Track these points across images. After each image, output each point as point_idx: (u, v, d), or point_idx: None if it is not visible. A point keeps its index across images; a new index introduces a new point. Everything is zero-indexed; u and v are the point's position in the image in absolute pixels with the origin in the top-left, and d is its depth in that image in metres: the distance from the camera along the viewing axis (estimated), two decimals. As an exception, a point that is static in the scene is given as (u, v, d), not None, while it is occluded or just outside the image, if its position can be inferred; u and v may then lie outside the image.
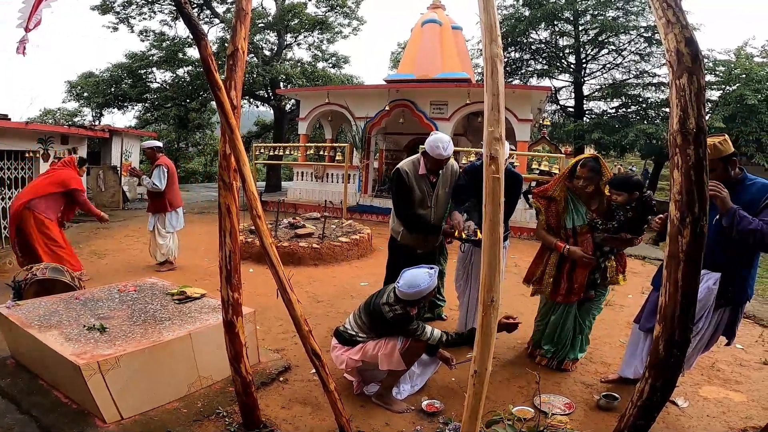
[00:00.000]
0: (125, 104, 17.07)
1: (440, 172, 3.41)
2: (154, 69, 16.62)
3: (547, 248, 3.03)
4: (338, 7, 17.43)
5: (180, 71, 16.71)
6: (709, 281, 2.35)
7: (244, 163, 1.70)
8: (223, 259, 1.89)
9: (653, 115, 15.15)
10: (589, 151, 21.49)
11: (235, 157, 1.72)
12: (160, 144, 5.62)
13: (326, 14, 17.54)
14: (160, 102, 17.03)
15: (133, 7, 15.71)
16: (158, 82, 17.29)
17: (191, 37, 1.74)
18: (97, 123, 14.07)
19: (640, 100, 15.70)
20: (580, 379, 3.01)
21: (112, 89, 16.18)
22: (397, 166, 3.46)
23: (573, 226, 2.90)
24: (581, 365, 3.21)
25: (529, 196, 3.20)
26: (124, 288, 3.27)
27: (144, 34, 16.37)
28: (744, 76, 12.20)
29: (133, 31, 16.25)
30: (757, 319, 4.47)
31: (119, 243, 7.00)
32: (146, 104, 17.56)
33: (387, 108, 10.78)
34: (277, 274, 1.78)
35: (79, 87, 16.52)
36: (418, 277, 2.50)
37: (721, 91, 13.19)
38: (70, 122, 12.85)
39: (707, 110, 12.75)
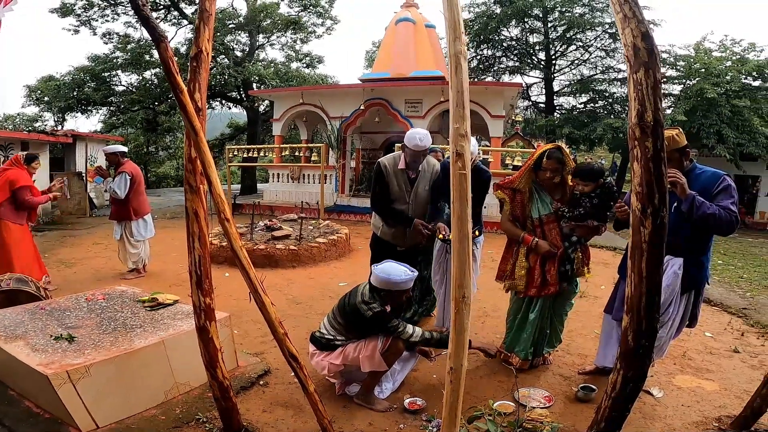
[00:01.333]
0: (89, 108, 16.52)
1: (420, 168, 3.42)
2: (119, 72, 16.14)
3: (514, 241, 3.02)
4: (311, 7, 17.31)
5: (147, 74, 16.29)
6: (674, 266, 2.44)
7: (210, 165, 1.67)
8: (192, 264, 1.86)
9: (619, 109, 15.69)
10: (561, 145, 21.99)
11: (200, 161, 1.69)
12: (123, 148, 5.32)
13: (299, 14, 17.40)
14: (127, 105, 16.56)
15: (95, 9, 15.21)
16: (124, 85, 16.80)
17: (152, 39, 1.70)
18: (59, 128, 13.54)
19: (607, 95, 16.26)
20: (558, 371, 3.06)
21: (75, 93, 15.64)
22: (378, 159, 3.54)
23: (539, 216, 2.89)
24: (559, 357, 3.27)
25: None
26: (92, 297, 3.17)
27: (107, 36, 15.89)
28: (703, 70, 12.71)
29: (95, 34, 15.76)
30: (724, 307, 4.59)
31: (87, 251, 6.77)
32: (111, 108, 17.02)
33: (362, 107, 10.76)
34: (249, 277, 1.76)
35: (39, 91, 15.91)
36: (393, 268, 2.52)
37: (682, 85, 13.71)
38: (30, 128, 12.34)
39: (669, 104, 13.28)
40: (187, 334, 2.58)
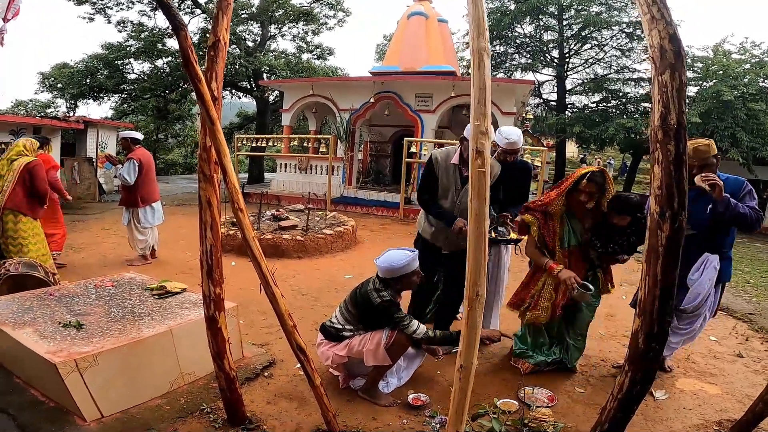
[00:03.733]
0: (101, 95, 16.59)
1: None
2: (132, 60, 16.15)
3: (539, 268, 2.86)
4: (324, -1, 17.20)
5: (159, 62, 16.29)
6: (713, 262, 2.66)
7: (225, 155, 1.66)
8: (204, 253, 1.85)
9: (632, 109, 15.47)
10: (571, 146, 21.79)
11: (215, 149, 1.68)
12: (137, 135, 5.35)
13: (311, 5, 17.28)
14: (138, 93, 16.60)
15: (111, -4, 15.22)
16: (136, 73, 16.84)
17: (171, 27, 1.69)
18: (71, 114, 13.63)
19: (620, 94, 16.02)
20: (563, 371, 3.04)
21: (88, 80, 15.66)
22: (431, 152, 3.46)
23: (568, 246, 2.73)
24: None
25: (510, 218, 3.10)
26: (100, 283, 3.18)
27: (122, 24, 15.87)
28: (721, 72, 12.46)
29: (110, 22, 15.73)
30: (730, 311, 4.55)
31: (95, 236, 6.82)
32: (123, 95, 17.10)
33: (372, 100, 10.71)
34: (260, 269, 1.76)
35: (53, 78, 15.97)
36: (393, 255, 2.54)
37: (698, 87, 13.48)
38: (42, 113, 12.45)
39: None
40: (194, 324, 2.58)
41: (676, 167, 1.46)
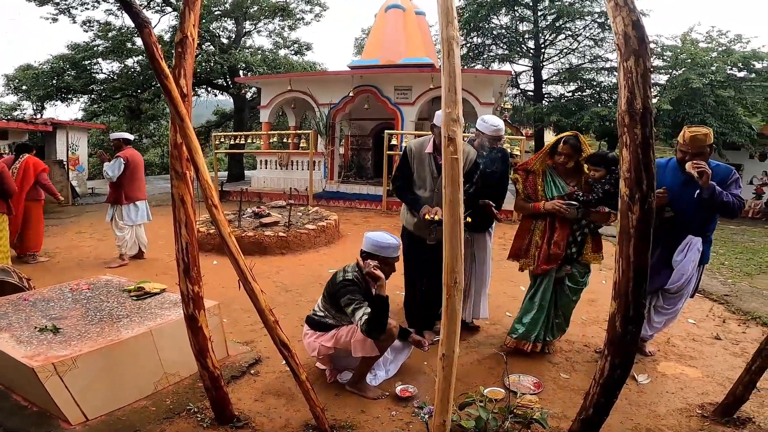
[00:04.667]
0: (69, 96, 16.10)
1: None
2: (100, 60, 15.69)
3: (529, 218, 3.07)
4: (300, -7, 16.97)
5: (129, 61, 15.87)
6: (696, 244, 2.79)
7: (196, 151, 1.63)
8: (179, 251, 1.82)
9: (606, 98, 15.80)
10: (549, 135, 22.14)
11: (186, 146, 1.65)
12: (128, 136, 5.59)
13: (287, 1, 17.02)
14: (108, 93, 16.15)
15: (75, -4, 14.71)
16: (105, 73, 16.37)
17: (135, 25, 1.66)
18: (38, 116, 13.19)
19: (594, 84, 16.33)
20: (547, 357, 3.10)
21: (54, 81, 15.17)
22: (406, 143, 3.46)
23: (552, 197, 2.96)
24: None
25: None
26: (76, 287, 3.11)
27: (87, 24, 15.37)
28: (689, 60, 12.79)
29: (75, 22, 15.21)
30: (706, 294, 4.65)
31: (71, 240, 6.64)
32: (92, 96, 16.61)
33: (351, 94, 10.68)
34: (238, 265, 1.74)
35: (17, 80, 15.42)
36: (383, 234, 2.60)
37: (668, 75, 13.83)
38: (8, 116, 12.01)
39: (656, 93, 13.33)
40: (175, 323, 2.55)
41: (643, 150, 1.50)
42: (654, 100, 13.31)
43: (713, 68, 12.35)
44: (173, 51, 1.84)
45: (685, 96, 12.33)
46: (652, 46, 13.89)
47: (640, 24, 1.47)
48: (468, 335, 3.45)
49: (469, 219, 2.99)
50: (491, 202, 3.20)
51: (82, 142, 12.35)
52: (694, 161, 2.60)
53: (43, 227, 5.62)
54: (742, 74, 13.17)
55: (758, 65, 12.84)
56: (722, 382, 2.81)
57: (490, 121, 3.25)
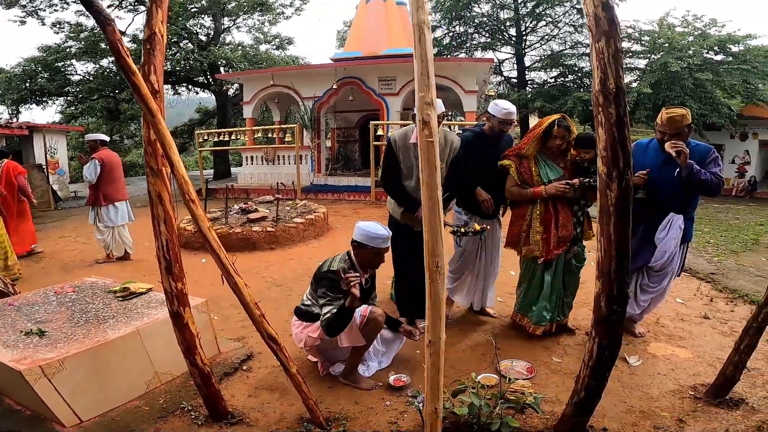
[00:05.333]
0: (44, 99, 15.73)
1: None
2: (74, 61, 15.35)
3: (526, 203, 3.03)
4: (279, -13, 16.69)
5: (104, 62, 15.52)
6: (678, 222, 2.84)
7: (170, 147, 1.61)
8: (159, 248, 1.81)
9: (588, 83, 15.90)
10: (533, 120, 22.25)
11: (160, 143, 1.63)
12: (103, 137, 5.59)
13: (266, -5, 16.75)
14: (85, 95, 15.81)
15: (42, -2, 14.31)
16: (80, 75, 16.02)
17: (97, 23, 1.65)
18: (14, 120, 12.87)
19: (576, 69, 16.47)
20: (540, 342, 3.08)
21: (27, 84, 14.84)
22: (389, 134, 3.41)
23: (549, 180, 2.95)
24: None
25: None
26: (61, 290, 3.07)
27: (58, 26, 14.98)
28: (667, 45, 12.95)
29: (44, 24, 14.82)
30: (693, 272, 4.66)
31: (55, 245, 6.53)
32: (68, 98, 16.27)
33: (335, 86, 10.62)
34: (220, 259, 1.73)
35: (-11, 85, 15.02)
36: (374, 224, 2.58)
37: (647, 60, 13.97)
38: (-17, 121, 11.70)
39: (636, 77, 13.48)
40: (163, 323, 2.53)
41: (618, 129, 1.51)
42: (634, 84, 13.46)
43: (690, 52, 12.54)
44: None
45: (665, 79, 12.50)
46: (629, 31, 14.02)
47: (610, 5, 1.49)
48: (453, 323, 3.44)
49: (463, 229, 3.02)
50: (483, 192, 3.19)
51: (60, 145, 12.09)
52: (673, 141, 2.67)
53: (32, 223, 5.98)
54: (719, 57, 13.35)
55: (734, 48, 13.04)
56: (712, 362, 2.80)
57: (501, 104, 3.20)
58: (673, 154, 2.64)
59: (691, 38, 13.12)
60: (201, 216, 1.66)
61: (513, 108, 3.19)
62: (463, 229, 3.06)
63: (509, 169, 3.05)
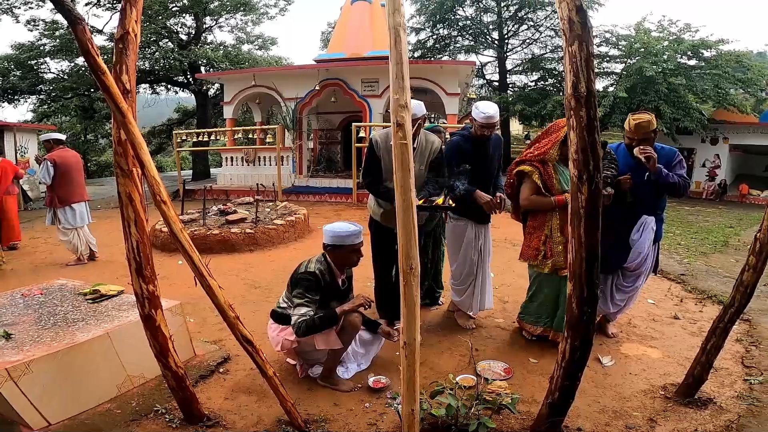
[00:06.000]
0: (15, 98, 15.26)
1: (415, 144, 3.06)
2: (48, 59, 14.97)
3: (542, 212, 2.89)
4: (264, -13, 16.52)
5: (79, 60, 15.15)
6: (650, 223, 2.93)
7: (141, 147, 1.58)
8: (130, 250, 1.76)
9: (568, 87, 16.23)
10: (515, 123, 22.53)
11: (130, 143, 1.59)
12: (58, 136, 5.38)
13: (250, -5, 16.56)
14: (59, 93, 15.41)
15: (17, -5, 13.91)
16: (54, 73, 15.61)
17: (67, 22, 1.61)
18: (-17, 118, 12.47)
19: (556, 73, 16.77)
20: (517, 342, 3.13)
21: (-1, 82, 14.42)
22: (371, 135, 3.37)
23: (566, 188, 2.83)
24: (517, 328, 3.31)
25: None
26: (28, 293, 2.98)
27: (32, 23, 14.58)
28: (643, 49, 13.28)
29: (18, 21, 14.41)
30: (664, 273, 4.76)
31: (24, 246, 6.30)
32: (41, 96, 15.84)
33: (317, 87, 10.56)
34: (192, 261, 1.70)
35: (-41, 83, 14.53)
36: (339, 224, 2.59)
37: (624, 64, 14.30)
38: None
39: (612, 82, 13.76)
40: (134, 325, 2.47)
41: (589, 132, 1.54)
42: (611, 89, 13.76)
43: (665, 57, 12.88)
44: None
45: (640, 84, 12.82)
46: (607, 35, 14.30)
47: (583, 9, 1.51)
48: (427, 326, 3.43)
49: (451, 203, 2.96)
50: (483, 194, 3.11)
51: (31, 145, 11.73)
52: (641, 147, 2.75)
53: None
54: (692, 62, 13.77)
55: (706, 53, 13.48)
56: (682, 362, 2.84)
57: (481, 108, 3.08)
58: (643, 159, 2.71)
59: (666, 43, 13.48)
60: (173, 217, 1.63)
61: (493, 111, 3.06)
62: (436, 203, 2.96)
63: (532, 175, 2.84)
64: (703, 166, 14.52)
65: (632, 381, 2.67)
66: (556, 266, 2.86)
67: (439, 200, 3.03)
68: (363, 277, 3.94)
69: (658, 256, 3.17)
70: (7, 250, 5.78)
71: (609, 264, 2.89)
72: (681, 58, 13.47)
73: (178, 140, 11.19)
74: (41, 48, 14.62)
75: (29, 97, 15.84)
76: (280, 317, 2.61)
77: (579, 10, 1.51)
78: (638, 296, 3.26)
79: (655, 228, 2.95)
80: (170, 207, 1.62)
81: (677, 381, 2.57)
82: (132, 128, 1.55)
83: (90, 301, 2.83)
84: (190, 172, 16.12)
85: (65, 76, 15.41)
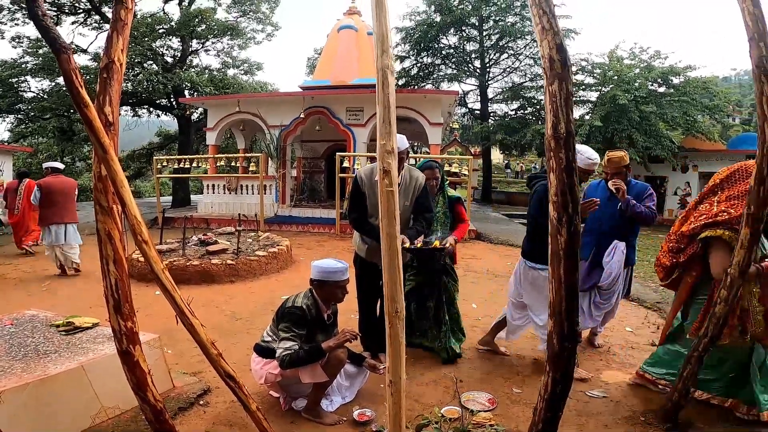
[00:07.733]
0: (-7, 117, 14.93)
1: (400, 181, 3.03)
2: (29, 77, 14.70)
3: (710, 279, 2.47)
4: (251, 13, 16.74)
5: (60, 79, 14.92)
6: (620, 247, 3.24)
7: (122, 185, 1.54)
8: (108, 288, 1.71)
9: (545, 115, 16.69)
10: (495, 152, 22.89)
11: (111, 180, 1.56)
12: (55, 165, 6.33)
13: (238, 20, 16.76)
14: (37, 113, 15.07)
15: (5, 12, 13.78)
16: (34, 92, 15.29)
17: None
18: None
19: (535, 102, 17.22)
20: (499, 373, 3.16)
21: (-24, 100, 14.08)
22: (356, 171, 3.39)
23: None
24: (500, 360, 3.35)
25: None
26: (-3, 323, 2.87)
27: (17, 40, 14.43)
28: (616, 77, 13.64)
29: (3, 38, 14.24)
30: (641, 301, 4.88)
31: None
32: (19, 116, 15.47)
33: (302, 115, 10.59)
34: (174, 300, 1.67)
35: (-66, 100, 14.13)
36: (328, 261, 2.62)
37: (598, 92, 14.59)
38: None
39: (588, 110, 14.06)
40: (109, 358, 2.44)
41: (567, 174, 1.54)
42: (587, 117, 14.10)
43: (636, 84, 13.19)
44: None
45: (614, 112, 13.07)
46: (583, 63, 14.70)
47: (563, 47, 1.52)
48: (413, 362, 3.35)
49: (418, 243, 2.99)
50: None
51: (6, 166, 11.42)
52: (613, 180, 3.24)
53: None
54: (662, 89, 14.14)
55: (675, 80, 13.84)
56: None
57: (585, 153, 2.99)
58: (613, 190, 3.19)
59: (637, 70, 13.81)
60: (155, 258, 1.60)
61: (597, 157, 3.00)
62: (419, 245, 2.96)
63: (731, 242, 2.29)
64: (675, 194, 14.99)
65: (615, 408, 2.72)
66: (755, 338, 2.44)
67: (436, 242, 3.11)
68: (348, 310, 3.90)
69: (631, 280, 3.56)
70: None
71: (586, 282, 3.29)
72: (652, 85, 13.77)
73: (159, 166, 11.01)
74: (23, 66, 14.37)
75: (7, 116, 15.46)
76: (264, 351, 2.57)
77: (560, 48, 1.51)
78: (614, 314, 3.59)
79: (625, 252, 3.26)
80: (151, 247, 1.59)
81: (657, 407, 2.63)
82: (114, 164, 1.52)
83: (63, 333, 2.76)
84: (170, 198, 15.83)
85: (45, 96, 15.11)
